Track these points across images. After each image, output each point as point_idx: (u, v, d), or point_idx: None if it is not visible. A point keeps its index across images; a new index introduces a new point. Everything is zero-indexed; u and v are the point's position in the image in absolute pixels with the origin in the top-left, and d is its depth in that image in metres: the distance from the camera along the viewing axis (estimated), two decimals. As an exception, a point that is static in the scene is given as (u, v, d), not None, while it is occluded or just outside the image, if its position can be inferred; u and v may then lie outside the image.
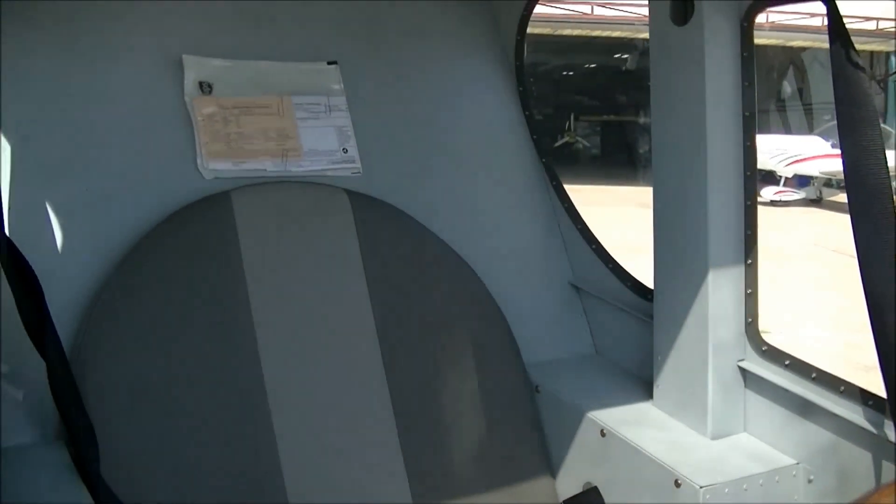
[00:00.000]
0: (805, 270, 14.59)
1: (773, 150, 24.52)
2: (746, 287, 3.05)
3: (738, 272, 3.04)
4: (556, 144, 34.36)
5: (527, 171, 3.68)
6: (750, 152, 3.01)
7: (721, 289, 3.03)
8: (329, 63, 3.40)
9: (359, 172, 3.33)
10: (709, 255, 3.00)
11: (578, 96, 35.55)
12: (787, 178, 24.83)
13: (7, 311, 2.42)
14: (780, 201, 24.18)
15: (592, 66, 32.31)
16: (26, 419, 2.73)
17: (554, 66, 32.96)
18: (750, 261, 3.04)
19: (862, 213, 2.50)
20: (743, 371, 3.07)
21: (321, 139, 3.30)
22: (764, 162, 25.98)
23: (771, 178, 26.09)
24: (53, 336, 2.52)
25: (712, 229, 2.99)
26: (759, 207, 3.05)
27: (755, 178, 3.03)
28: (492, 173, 3.64)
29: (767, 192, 25.15)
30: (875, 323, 2.49)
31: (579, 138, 34.97)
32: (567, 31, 26.27)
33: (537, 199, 3.68)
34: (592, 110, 35.00)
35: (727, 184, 3.00)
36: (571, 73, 34.95)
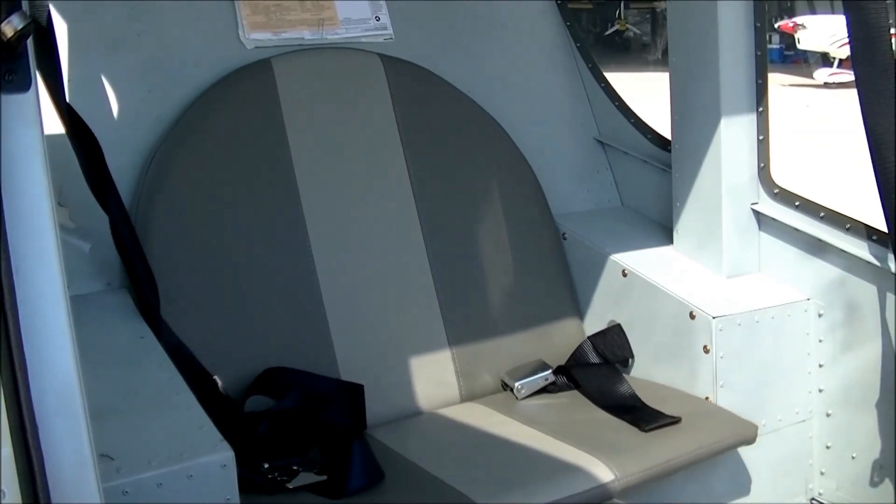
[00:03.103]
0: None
1: (828, 33, 24.17)
2: (759, 133, 3.20)
3: (750, 119, 3.19)
4: (607, 33, 33.99)
5: (553, 34, 3.81)
6: (759, 6, 3.14)
7: (734, 136, 3.18)
8: None
9: (391, 38, 3.48)
10: (721, 103, 3.14)
11: (628, -18, 35.07)
12: (841, 60, 24.45)
13: (73, 174, 2.59)
14: (834, 83, 23.86)
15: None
16: (94, 270, 2.95)
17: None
18: (761, 108, 3.18)
19: (863, 55, 2.65)
20: (756, 213, 3.23)
21: (355, 9, 3.45)
22: (819, 44, 25.64)
23: (826, 60, 25.71)
24: (115, 194, 2.73)
25: (724, 78, 3.13)
26: (813, 90, 3.15)
27: (765, 29, 3.16)
28: (519, 36, 3.76)
29: (821, 74, 24.81)
30: (876, 161, 2.65)
31: (630, 26, 34.54)
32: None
33: (563, 61, 3.81)
34: (643, -4, 34.54)
35: (738, 34, 3.13)
36: (621, -42, 34.45)
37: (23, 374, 1.48)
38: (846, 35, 2.65)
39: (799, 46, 27.35)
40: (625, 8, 34.47)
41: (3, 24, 1.48)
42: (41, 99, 1.95)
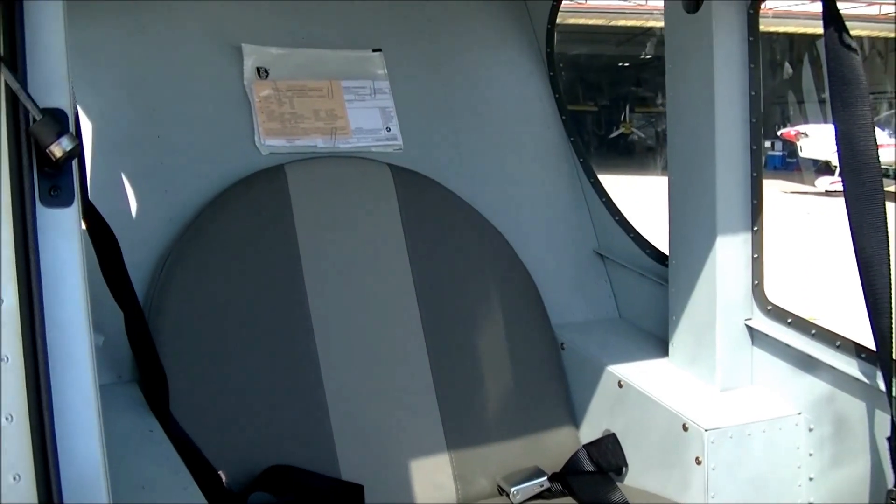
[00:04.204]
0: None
1: (829, 142, 24.28)
2: (753, 252, 3.29)
3: (745, 238, 3.28)
4: (612, 136, 34.26)
5: (556, 148, 3.94)
6: (756, 128, 3.25)
7: (729, 254, 3.27)
8: (374, 51, 3.69)
9: (400, 149, 3.62)
10: (717, 222, 3.24)
11: (634, 87, 35.43)
12: (842, 168, 24.45)
13: (91, 268, 2.68)
14: (835, 191, 23.97)
15: (648, 56, 32.22)
16: (106, 362, 3.03)
17: (609, 57, 32.85)
18: (756, 227, 3.28)
19: (853, 180, 2.75)
20: (750, 329, 3.31)
21: (367, 119, 3.60)
22: (820, 153, 25.85)
23: (827, 168, 25.88)
24: (130, 290, 2.81)
25: (721, 199, 3.24)
26: (814, 197, 3.22)
27: (760, 152, 3.27)
28: (523, 151, 3.89)
29: (822, 183, 24.97)
30: (865, 282, 2.74)
31: (634, 129, 34.84)
32: (622, 22, 26.31)
33: (565, 174, 3.93)
34: (648, 102, 34.88)
35: (734, 157, 3.24)
36: (627, 64, 34.84)
37: (55, 468, 1.58)
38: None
39: (801, 154, 27.58)
40: (630, 111, 34.84)
41: (53, 146, 1.61)
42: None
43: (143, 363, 2.92)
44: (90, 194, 2.64)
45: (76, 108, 2.13)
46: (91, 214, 2.60)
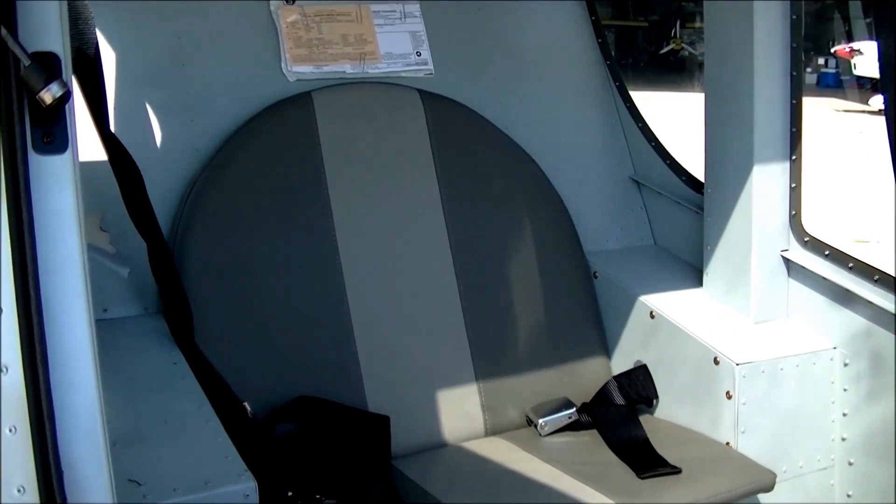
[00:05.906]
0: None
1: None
2: (791, 181, 3.23)
3: (783, 167, 3.21)
4: (661, 52, 33.84)
5: (592, 72, 3.85)
6: (796, 54, 3.17)
7: (766, 183, 3.21)
8: None
9: (431, 74, 3.55)
10: (754, 150, 3.17)
11: (685, 2, 34.91)
12: (897, 86, 24.04)
13: (114, 200, 2.65)
14: (889, 109, 23.51)
15: (700, -30, 31.64)
16: (131, 294, 3.01)
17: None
18: (794, 156, 3.20)
19: (893, 98, 2.67)
20: (786, 260, 3.25)
21: (396, 43, 3.52)
22: (874, 70, 25.38)
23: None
24: (154, 221, 2.78)
25: (758, 126, 3.16)
26: (868, 116, 3.14)
27: (801, 78, 3.19)
28: (557, 74, 3.80)
29: (876, 101, 24.58)
30: None
31: (685, 45, 34.38)
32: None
33: (601, 99, 3.85)
34: (698, 17, 34.38)
35: (773, 83, 3.16)
36: (678, -23, 34.32)
37: (50, 419, 1.56)
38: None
39: (855, 72, 27.09)
40: (680, 27, 34.34)
41: (43, 92, 1.57)
42: (87, 125, 2.04)
43: (167, 294, 2.90)
44: (113, 125, 2.61)
45: (96, 41, 2.08)
46: (112, 145, 2.57)
